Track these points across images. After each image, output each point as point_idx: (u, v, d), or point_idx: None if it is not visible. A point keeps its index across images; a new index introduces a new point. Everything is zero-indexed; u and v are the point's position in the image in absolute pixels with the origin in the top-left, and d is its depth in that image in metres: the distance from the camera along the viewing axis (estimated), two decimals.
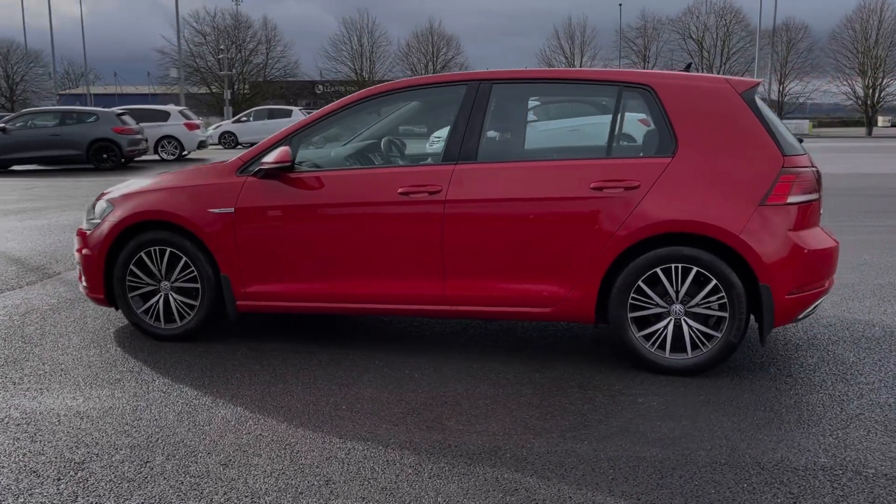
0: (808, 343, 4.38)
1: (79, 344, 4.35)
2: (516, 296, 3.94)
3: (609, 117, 3.99)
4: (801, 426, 3.22)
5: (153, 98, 53.08)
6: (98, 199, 4.62)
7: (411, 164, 4.27)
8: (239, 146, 29.42)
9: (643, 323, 3.85)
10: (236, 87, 58.70)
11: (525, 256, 3.90)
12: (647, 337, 3.84)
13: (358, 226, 4.08)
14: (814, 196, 3.79)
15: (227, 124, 29.87)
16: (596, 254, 3.79)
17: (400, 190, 3.98)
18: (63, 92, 65.10)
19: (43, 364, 4.01)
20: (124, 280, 4.37)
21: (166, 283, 4.35)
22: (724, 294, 3.71)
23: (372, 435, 3.14)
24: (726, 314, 3.73)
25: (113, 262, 4.39)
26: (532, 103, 4.44)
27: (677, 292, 3.77)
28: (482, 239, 3.94)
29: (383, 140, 4.90)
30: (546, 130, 4.53)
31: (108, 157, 17.82)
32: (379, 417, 3.32)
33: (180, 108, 23.25)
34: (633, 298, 3.81)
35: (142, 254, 4.33)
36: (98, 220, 4.45)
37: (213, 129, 29.30)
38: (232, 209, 4.18)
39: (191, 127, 21.44)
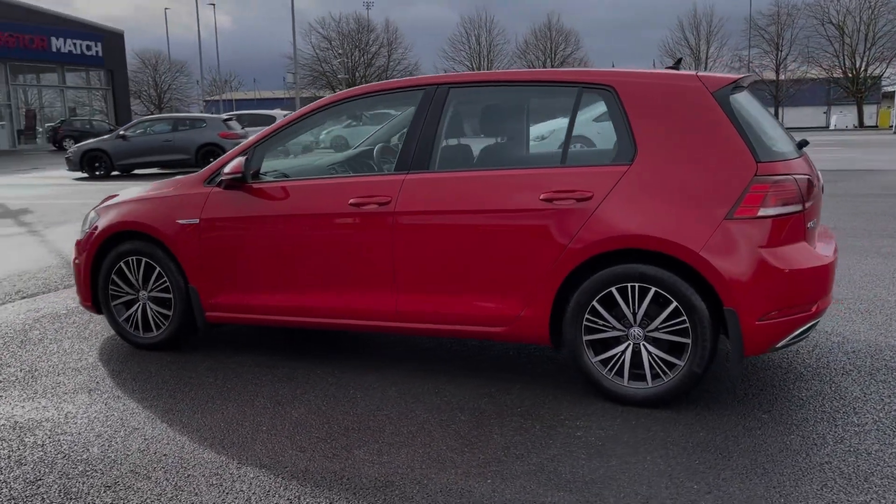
0: (813, 372, 3.87)
1: (66, 349, 4.49)
2: (468, 314, 3.70)
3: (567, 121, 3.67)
4: (744, 475, 2.81)
5: (279, 102, 55.43)
6: (93, 209, 4.76)
7: (365, 174, 4.10)
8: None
9: (601, 347, 3.51)
10: None
11: (475, 272, 3.66)
12: (605, 362, 3.50)
13: (312, 238, 3.97)
14: (795, 208, 3.32)
15: (338, 128, 30.64)
16: (547, 271, 3.49)
17: (351, 201, 3.84)
18: (209, 98, 69.31)
19: (22, 369, 4.16)
20: (107, 289, 4.48)
21: (144, 292, 4.41)
22: (685, 318, 3.32)
23: (272, 461, 3.01)
24: (688, 340, 3.34)
25: (98, 271, 4.51)
26: (490, 107, 4.16)
27: (635, 314, 3.41)
28: (432, 253, 3.73)
29: (376, 147, 4.77)
30: (503, 138, 4.24)
31: (214, 160, 18.68)
32: (291, 442, 3.19)
33: (286, 112, 24.04)
34: (588, 320, 3.48)
35: (121, 263, 4.42)
36: (88, 230, 4.58)
37: (326, 134, 30.13)
38: (197, 220, 4.18)
39: None
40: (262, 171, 4.20)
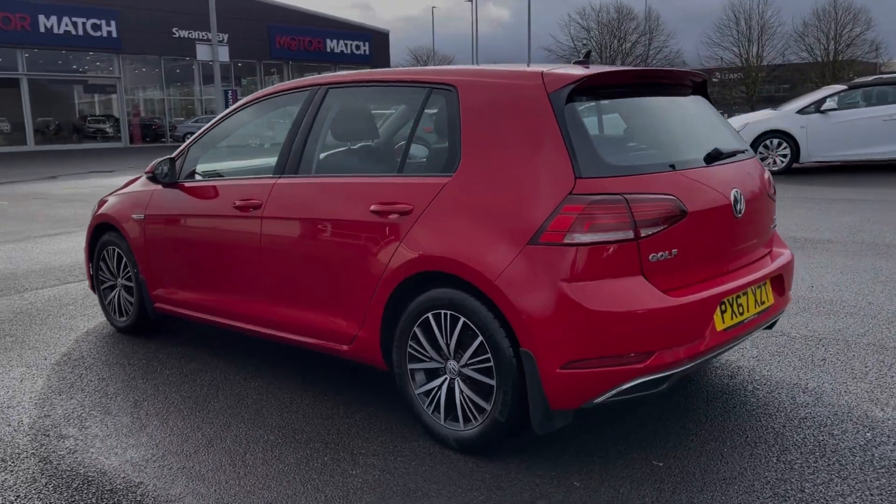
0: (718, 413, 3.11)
1: (60, 325, 5.05)
2: (320, 328, 3.53)
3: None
4: None
5: None
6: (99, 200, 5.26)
7: (254, 176, 4.02)
8: None
9: (426, 377, 3.16)
10: None
11: (320, 286, 3.49)
12: (427, 395, 3.14)
13: (212, 238, 4.05)
14: (621, 235, 2.69)
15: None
16: (375, 289, 3.22)
17: (235, 203, 3.85)
18: None
19: (11, 340, 4.77)
20: (97, 275, 4.96)
21: (120, 279, 4.81)
22: (490, 356, 2.86)
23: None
24: (493, 382, 2.87)
25: (92, 258, 5.01)
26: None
27: (448, 346, 3.02)
28: (287, 262, 3.62)
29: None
30: (356, 142, 3.92)
31: None
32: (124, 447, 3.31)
33: None
34: (412, 347, 3.14)
35: (104, 252, 4.87)
36: (91, 220, 5.10)
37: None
38: (143, 215, 4.47)
39: None
40: (200, 170, 4.36)
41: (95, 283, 4.99)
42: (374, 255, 3.19)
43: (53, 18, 32.56)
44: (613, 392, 2.73)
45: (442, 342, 3.02)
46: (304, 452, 3.08)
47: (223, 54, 19.52)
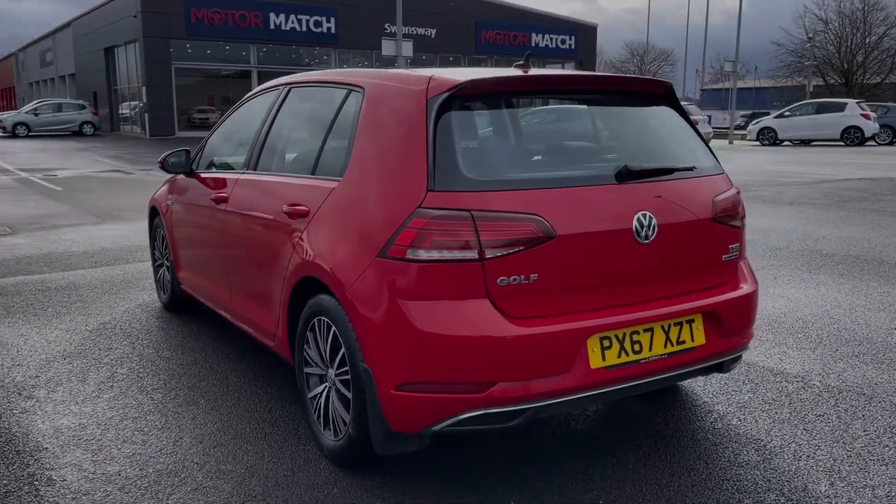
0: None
1: (129, 298, 5.59)
2: (257, 322, 3.62)
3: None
4: None
5: (778, 92, 52.06)
6: None
7: (235, 171, 4.13)
8: (779, 143, 27.29)
9: (318, 383, 3.14)
10: (856, 77, 53.26)
11: (255, 280, 3.59)
12: (314, 399, 3.13)
13: (201, 228, 4.30)
14: (464, 255, 2.48)
15: (767, 119, 27.85)
16: (281, 290, 3.25)
17: (211, 195, 4.05)
18: (706, 87, 69.05)
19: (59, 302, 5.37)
20: (153, 254, 5.45)
21: (165, 260, 5.24)
22: (348, 368, 2.79)
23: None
24: (350, 395, 2.80)
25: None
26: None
27: (325, 353, 2.98)
28: (239, 254, 3.77)
29: None
30: (295, 141, 3.86)
31: None
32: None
33: (857, 100, 23.49)
34: (305, 350, 3.14)
35: (155, 233, 5.34)
36: None
37: (754, 125, 27.73)
38: (171, 201, 4.84)
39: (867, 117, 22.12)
40: (216, 161, 4.62)
41: (152, 261, 5.48)
42: (282, 256, 3.23)
43: (282, 16, 35.69)
44: (451, 421, 2.55)
45: (322, 348, 2.99)
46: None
47: (406, 49, 20.27)
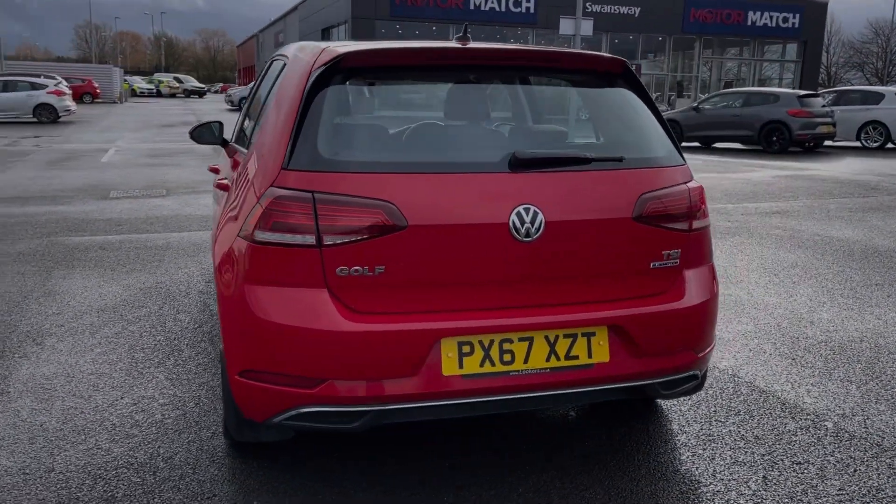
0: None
1: (197, 262, 5.94)
2: None
3: None
4: None
5: None
6: None
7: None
8: None
9: None
10: None
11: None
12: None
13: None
14: (301, 239, 2.32)
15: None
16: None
17: (211, 166, 4.16)
18: None
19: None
20: None
21: None
22: None
23: None
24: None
25: None
26: None
27: None
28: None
29: None
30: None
31: (776, 139, 17.32)
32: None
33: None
34: None
35: None
36: None
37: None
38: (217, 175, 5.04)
39: None
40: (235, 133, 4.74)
41: None
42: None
43: None
44: (288, 415, 2.41)
45: None
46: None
47: (586, 28, 19.50)
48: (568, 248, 2.45)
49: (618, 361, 2.50)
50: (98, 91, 41.95)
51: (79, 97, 40.03)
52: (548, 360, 2.43)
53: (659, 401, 3.34)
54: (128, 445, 2.91)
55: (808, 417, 3.22)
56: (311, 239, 2.32)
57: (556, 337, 2.44)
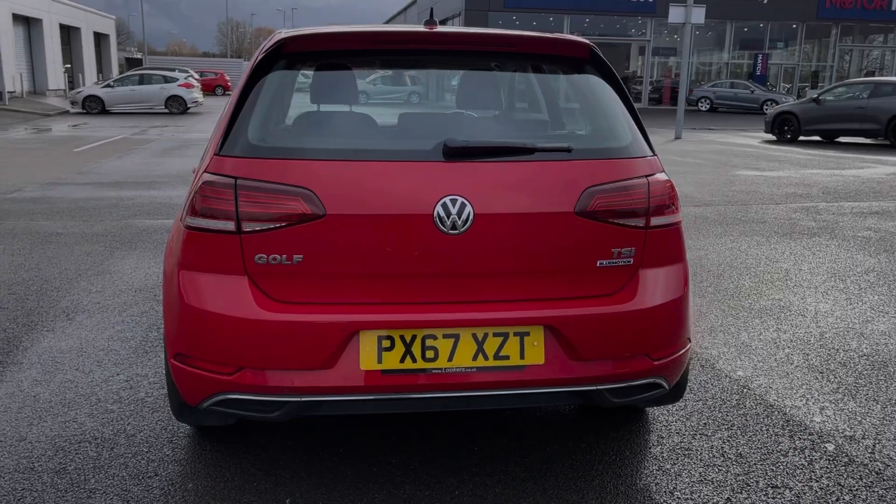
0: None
1: None
2: None
3: None
4: None
5: None
6: None
7: None
8: None
9: None
10: None
11: None
12: None
13: None
14: (223, 225, 2.31)
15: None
16: None
17: None
18: None
19: None
20: None
21: None
22: None
23: None
24: None
25: None
26: None
27: None
28: None
29: None
30: None
31: None
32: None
33: None
34: None
35: None
36: None
37: None
38: None
39: None
40: None
41: None
42: None
43: None
44: (213, 400, 2.41)
45: None
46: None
47: (697, 16, 18.52)
48: (501, 243, 2.32)
49: (554, 364, 2.34)
50: (229, 84, 44.29)
51: (212, 89, 42.52)
52: (474, 358, 2.31)
53: (648, 409, 3.12)
54: (101, 420, 3.03)
55: (809, 438, 2.91)
56: (231, 225, 2.31)
57: (486, 335, 2.32)
